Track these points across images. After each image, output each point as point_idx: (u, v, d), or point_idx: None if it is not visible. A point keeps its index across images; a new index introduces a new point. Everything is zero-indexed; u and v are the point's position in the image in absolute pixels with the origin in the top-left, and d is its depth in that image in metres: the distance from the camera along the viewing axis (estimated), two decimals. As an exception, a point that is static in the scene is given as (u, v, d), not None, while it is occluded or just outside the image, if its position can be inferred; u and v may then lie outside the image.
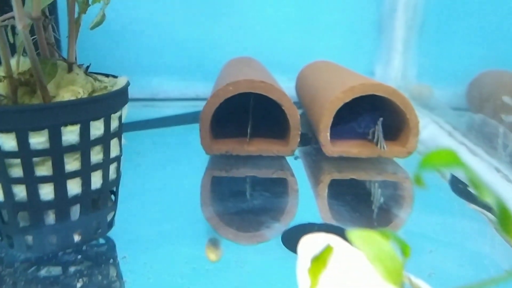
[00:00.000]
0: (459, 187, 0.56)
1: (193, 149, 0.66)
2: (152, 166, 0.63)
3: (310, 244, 0.27)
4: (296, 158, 0.66)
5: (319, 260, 0.25)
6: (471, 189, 0.55)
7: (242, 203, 0.52)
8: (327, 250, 0.25)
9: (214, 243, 0.43)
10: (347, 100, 0.61)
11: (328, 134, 0.63)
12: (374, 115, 0.67)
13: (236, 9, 0.99)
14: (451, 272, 0.39)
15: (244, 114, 0.70)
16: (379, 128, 0.64)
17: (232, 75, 0.67)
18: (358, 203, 0.52)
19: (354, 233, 0.23)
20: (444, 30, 0.89)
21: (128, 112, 0.43)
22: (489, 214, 0.48)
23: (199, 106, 0.63)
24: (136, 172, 0.59)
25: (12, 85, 0.38)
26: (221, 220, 0.48)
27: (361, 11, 1.02)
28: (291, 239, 0.43)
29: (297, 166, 0.64)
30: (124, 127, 0.43)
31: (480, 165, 0.59)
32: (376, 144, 0.64)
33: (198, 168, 0.62)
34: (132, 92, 0.43)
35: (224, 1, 0.98)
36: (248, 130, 0.66)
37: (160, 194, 0.54)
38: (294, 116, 0.62)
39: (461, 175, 0.58)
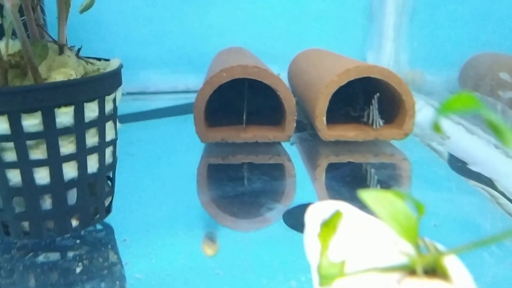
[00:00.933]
0: (458, 165, 0.56)
1: (188, 139, 0.65)
2: (147, 155, 0.62)
3: (318, 211, 0.27)
4: (292, 143, 0.66)
5: (329, 225, 0.24)
6: (470, 167, 0.54)
7: (241, 187, 0.51)
8: (337, 215, 0.25)
9: (210, 237, 0.42)
10: (343, 83, 0.61)
11: (324, 118, 0.62)
12: (368, 99, 0.67)
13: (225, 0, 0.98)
14: (455, 244, 0.38)
15: (238, 102, 0.70)
16: (374, 105, 0.63)
17: (225, 62, 0.67)
18: (357, 184, 0.52)
19: (367, 193, 0.22)
20: (435, 15, 0.89)
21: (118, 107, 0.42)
22: (489, 189, 0.48)
23: (190, 98, 0.61)
24: (131, 162, 0.58)
25: (2, 67, 0.37)
26: (220, 204, 0.47)
27: (351, -1, 1.01)
28: (292, 218, 0.43)
29: (294, 152, 0.63)
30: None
31: (478, 142, 0.59)
32: (372, 124, 0.63)
33: (194, 156, 0.61)
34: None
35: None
36: (244, 117, 0.65)
37: (156, 182, 0.53)
38: (289, 100, 0.62)
39: (459, 153, 0.58)
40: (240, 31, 0.99)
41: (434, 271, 0.21)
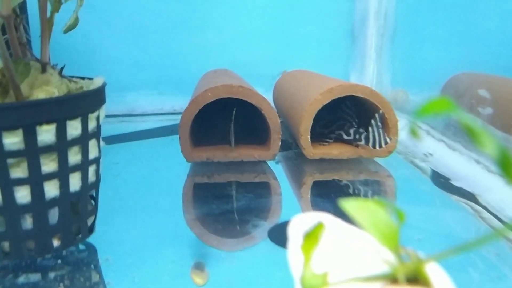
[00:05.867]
0: (441, 181, 0.56)
1: (174, 159, 0.65)
2: (132, 175, 0.61)
3: (300, 223, 0.27)
4: (277, 162, 0.66)
5: (312, 236, 0.24)
6: (452, 182, 0.55)
7: (226, 205, 0.50)
8: (319, 226, 0.25)
9: (199, 266, 0.41)
10: (326, 101, 0.61)
11: (309, 136, 0.62)
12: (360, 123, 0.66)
13: (211, 23, 0.99)
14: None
15: (224, 123, 0.70)
16: (376, 124, 0.61)
17: (210, 82, 0.67)
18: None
19: (349, 202, 0.22)
20: (415, 36, 0.91)
21: (104, 128, 0.42)
22: (471, 203, 0.49)
23: (176, 120, 0.62)
24: (116, 182, 0.57)
25: (-16, 86, 0.37)
26: (205, 223, 0.47)
27: (333, 21, 1.03)
28: (278, 235, 0.42)
29: (279, 170, 0.63)
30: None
31: (460, 158, 0.59)
32: (373, 146, 0.61)
33: (180, 176, 0.61)
34: (108, 108, 0.42)
35: (199, 15, 0.98)
36: (232, 139, 0.64)
37: (141, 201, 0.52)
38: (273, 119, 0.62)
39: (441, 169, 0.59)
40: (226, 54, 1.00)
41: (416, 279, 0.21)
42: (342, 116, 0.67)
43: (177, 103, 0.98)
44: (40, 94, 0.38)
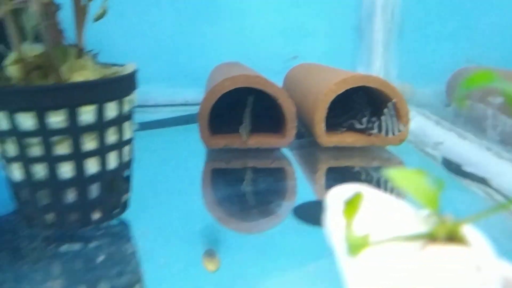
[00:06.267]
0: (453, 167, 0.58)
1: (189, 147, 0.67)
2: (152, 162, 0.63)
3: (338, 193, 0.29)
4: (291, 150, 0.68)
5: (352, 203, 0.26)
6: (464, 168, 0.57)
7: (246, 187, 0.53)
8: (358, 194, 0.27)
9: (210, 253, 0.43)
10: (340, 91, 0.63)
11: (323, 125, 0.64)
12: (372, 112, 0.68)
13: (223, 16, 1.01)
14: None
15: (238, 112, 0.72)
16: (389, 112, 0.63)
17: (225, 73, 0.69)
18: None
19: (393, 171, 0.24)
20: (422, 32, 0.93)
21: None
22: (484, 187, 0.51)
23: (188, 111, 0.63)
24: (138, 167, 0.59)
25: (25, 68, 0.38)
26: (224, 204, 0.49)
27: (341, 17, 1.05)
28: (303, 212, 0.45)
29: (293, 158, 0.65)
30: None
31: (470, 146, 0.61)
32: (386, 134, 0.63)
33: (197, 163, 0.63)
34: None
35: (211, 9, 1.00)
36: (245, 130, 0.66)
37: (163, 185, 0.54)
38: (289, 108, 0.64)
39: (452, 157, 0.61)
40: (236, 47, 1.02)
41: (453, 238, 0.23)
42: (354, 107, 0.69)
43: (188, 94, 1.00)
44: (78, 78, 0.40)
